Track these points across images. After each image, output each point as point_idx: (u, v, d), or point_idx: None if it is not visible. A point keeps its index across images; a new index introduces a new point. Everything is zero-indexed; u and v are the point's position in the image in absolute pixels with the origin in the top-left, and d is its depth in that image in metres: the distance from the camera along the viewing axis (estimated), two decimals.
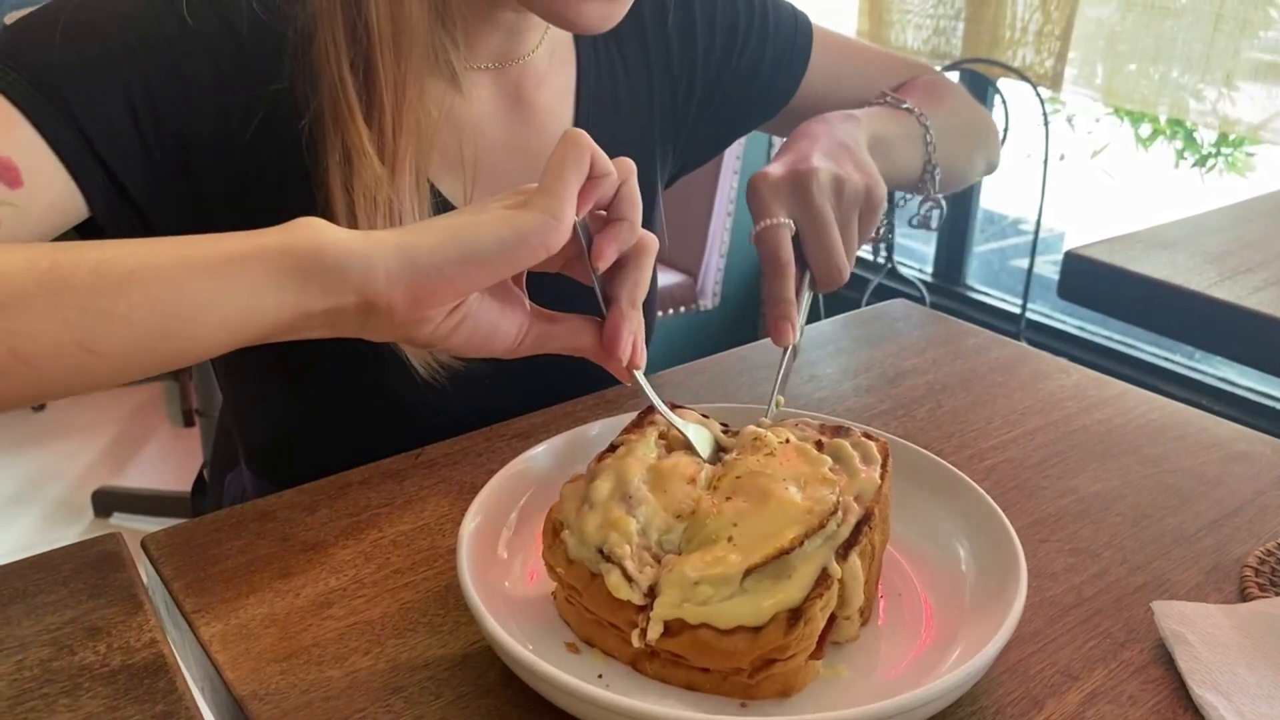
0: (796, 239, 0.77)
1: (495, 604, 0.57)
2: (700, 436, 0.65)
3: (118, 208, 0.72)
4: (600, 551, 0.56)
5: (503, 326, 0.61)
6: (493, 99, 0.86)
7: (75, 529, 2.42)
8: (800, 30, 1.02)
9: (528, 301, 0.63)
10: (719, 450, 0.65)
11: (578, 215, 0.58)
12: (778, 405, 0.73)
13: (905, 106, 0.95)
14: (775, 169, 0.78)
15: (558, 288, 0.66)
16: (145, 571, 0.67)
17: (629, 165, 0.61)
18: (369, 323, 0.56)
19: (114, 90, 0.69)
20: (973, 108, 1.08)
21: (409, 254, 0.54)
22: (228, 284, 0.52)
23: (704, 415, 0.67)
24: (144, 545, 0.68)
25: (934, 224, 0.97)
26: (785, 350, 0.75)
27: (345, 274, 0.53)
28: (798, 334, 0.75)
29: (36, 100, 0.66)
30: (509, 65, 0.86)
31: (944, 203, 0.97)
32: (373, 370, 0.84)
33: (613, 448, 0.63)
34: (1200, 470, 0.79)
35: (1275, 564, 0.67)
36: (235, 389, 0.97)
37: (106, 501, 2.47)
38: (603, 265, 0.60)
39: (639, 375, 0.64)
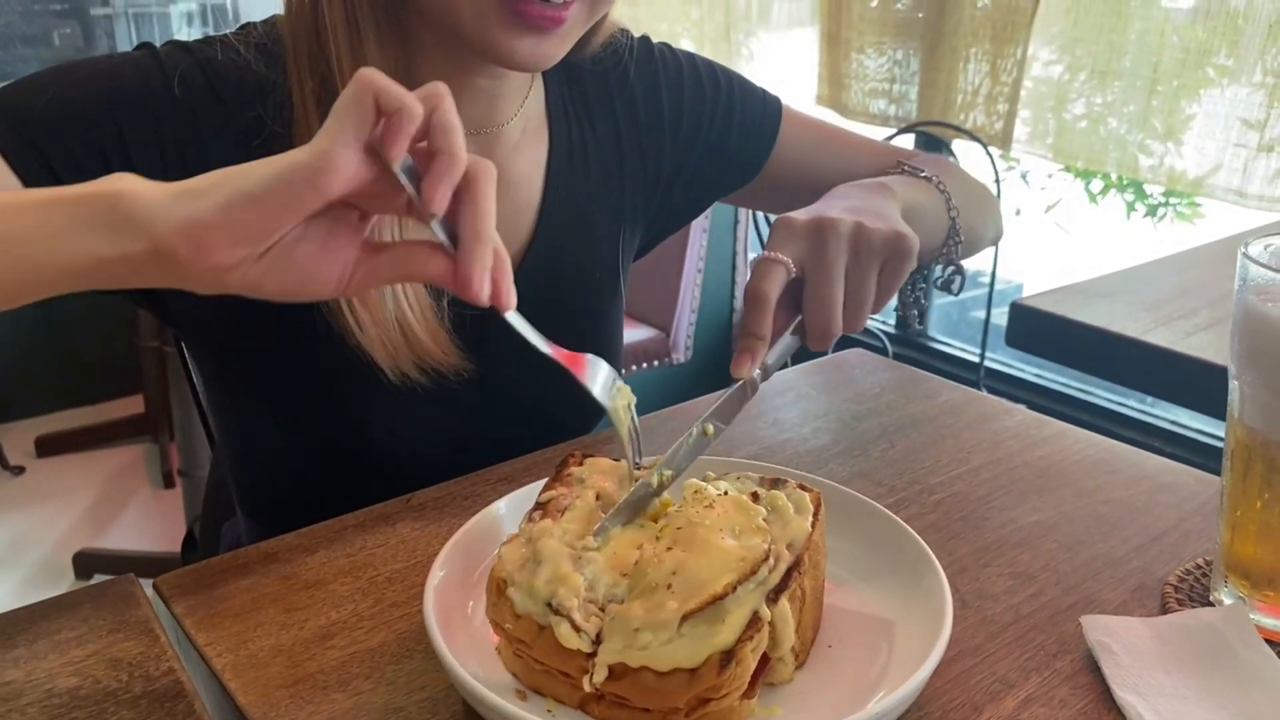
0: (799, 285, 0.76)
1: (458, 652, 0.60)
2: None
3: None
4: (549, 605, 0.59)
5: (322, 269, 0.59)
6: None
7: (57, 592, 2.43)
8: (769, 107, 1.07)
9: (366, 238, 0.61)
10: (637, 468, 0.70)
11: (391, 158, 0.55)
12: (705, 433, 0.73)
13: (924, 175, 0.98)
14: (800, 214, 0.78)
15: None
16: (159, 610, 0.72)
17: (435, 89, 0.57)
18: (169, 271, 0.56)
19: (89, 142, 0.77)
20: (974, 180, 1.11)
21: (187, 199, 0.55)
22: (26, 226, 0.56)
23: (615, 460, 0.71)
24: (156, 586, 0.74)
25: (956, 288, 0.99)
26: (740, 383, 0.74)
27: (132, 220, 0.55)
28: (757, 370, 0.74)
29: (12, 141, 0.74)
30: (485, 133, 0.93)
31: (964, 268, 0.99)
32: (355, 401, 0.90)
33: (539, 505, 0.67)
34: (1130, 500, 0.86)
35: (1194, 581, 0.74)
36: (226, 432, 1.02)
37: (88, 564, 2.49)
38: (436, 208, 0.56)
39: (511, 316, 0.61)
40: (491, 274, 0.58)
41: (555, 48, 0.82)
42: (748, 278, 0.77)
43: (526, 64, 0.82)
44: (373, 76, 0.54)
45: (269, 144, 0.82)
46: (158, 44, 0.84)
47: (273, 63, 0.84)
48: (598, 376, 0.65)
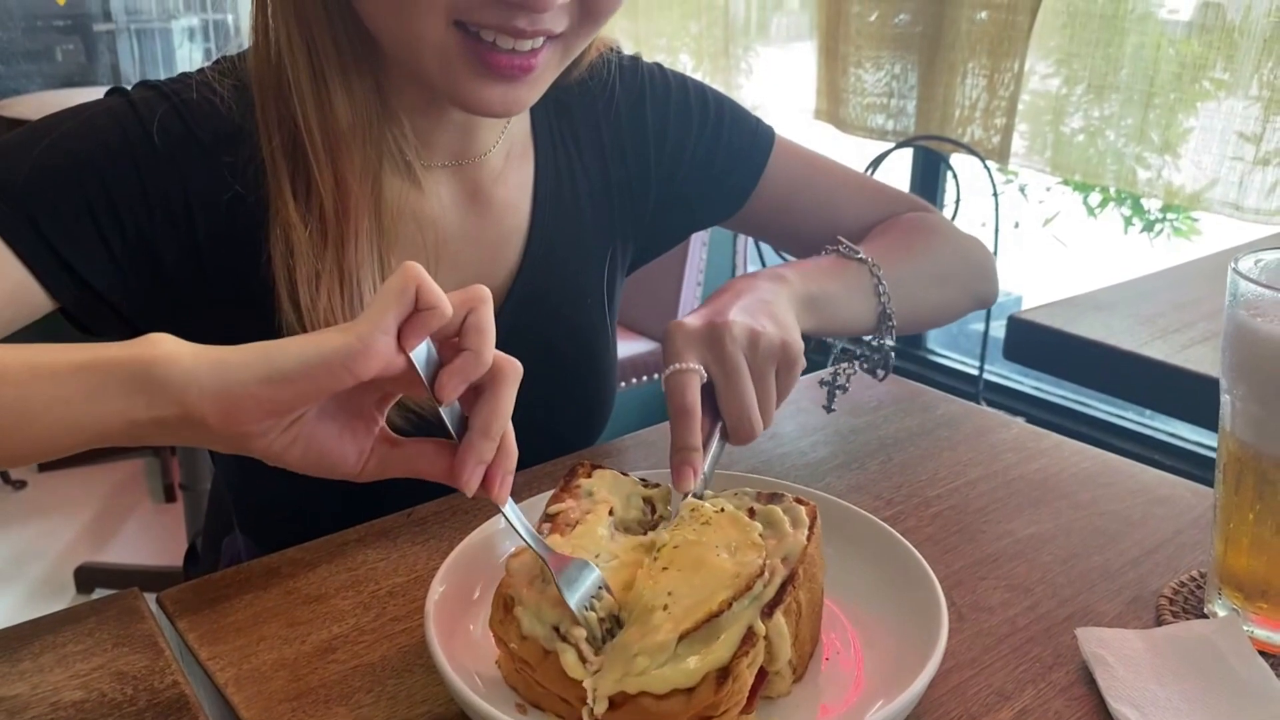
0: (711, 389, 0.77)
1: (458, 667, 0.61)
2: (587, 573, 0.63)
3: (86, 303, 0.79)
4: (556, 630, 0.60)
5: (342, 450, 0.62)
6: (451, 194, 0.92)
7: (58, 606, 2.43)
8: (760, 137, 1.06)
9: (381, 425, 0.64)
10: (648, 504, 0.70)
11: (407, 347, 0.58)
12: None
13: (858, 257, 0.95)
14: (691, 319, 0.79)
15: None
16: (162, 624, 0.73)
17: (478, 294, 0.60)
18: (197, 434, 0.58)
19: (74, 199, 0.77)
20: (956, 244, 1.07)
21: (221, 370, 0.56)
22: (66, 390, 0.57)
23: (623, 473, 0.72)
24: (160, 601, 0.74)
25: (880, 375, 0.98)
26: (685, 497, 0.71)
27: (166, 387, 0.56)
28: (700, 481, 0.73)
29: (2, 215, 0.74)
30: (466, 163, 0.93)
31: (891, 357, 0.97)
32: None
33: (549, 517, 0.68)
34: (1125, 513, 0.86)
35: (1188, 593, 0.74)
36: (224, 455, 1.03)
37: (89, 578, 2.50)
38: (446, 399, 0.59)
39: (505, 510, 0.63)
40: (490, 467, 0.62)
41: (527, 93, 0.81)
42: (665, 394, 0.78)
43: (498, 112, 0.81)
44: (418, 272, 0.57)
45: (235, 204, 0.82)
46: (161, 64, 0.85)
47: (246, 107, 0.83)
48: (580, 581, 0.62)
